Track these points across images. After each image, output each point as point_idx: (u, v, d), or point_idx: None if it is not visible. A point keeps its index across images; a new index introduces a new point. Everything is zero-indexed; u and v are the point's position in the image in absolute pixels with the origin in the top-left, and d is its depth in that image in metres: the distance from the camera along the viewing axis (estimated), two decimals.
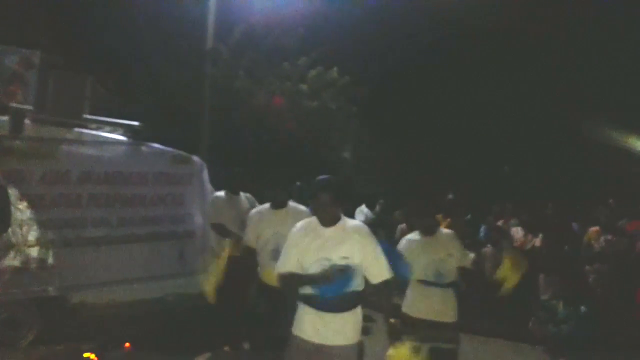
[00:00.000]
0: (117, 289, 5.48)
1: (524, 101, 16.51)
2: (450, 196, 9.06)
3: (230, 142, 10.71)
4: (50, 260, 5.15)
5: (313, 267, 3.21)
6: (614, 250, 7.24)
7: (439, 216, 8.54)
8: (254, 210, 4.93)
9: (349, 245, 3.22)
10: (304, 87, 12.24)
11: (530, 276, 7.32)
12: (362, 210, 12.00)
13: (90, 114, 6.18)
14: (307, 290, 3.26)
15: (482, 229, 9.15)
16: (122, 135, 6.00)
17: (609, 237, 7.48)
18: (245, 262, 5.51)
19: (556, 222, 8.56)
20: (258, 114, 11.62)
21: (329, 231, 3.25)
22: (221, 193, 5.98)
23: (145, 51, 11.24)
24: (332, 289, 3.17)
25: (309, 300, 3.24)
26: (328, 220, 3.25)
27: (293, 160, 10.87)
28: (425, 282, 4.22)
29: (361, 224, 3.49)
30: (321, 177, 3.35)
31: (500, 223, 9.27)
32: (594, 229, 7.93)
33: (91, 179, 5.47)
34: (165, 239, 5.98)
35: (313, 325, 3.22)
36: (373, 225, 9.47)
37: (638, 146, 13.79)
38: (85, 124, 5.90)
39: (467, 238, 7.34)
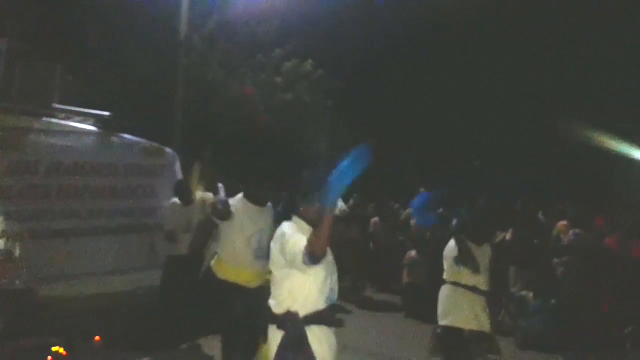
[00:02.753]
0: (86, 282, 5.39)
1: (496, 97, 16.70)
2: (422, 190, 9.10)
3: (203, 134, 10.61)
4: (17, 252, 5.03)
5: None
6: (582, 244, 7.39)
7: (411, 210, 8.61)
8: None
9: None
10: (278, 79, 12.19)
11: (500, 270, 7.48)
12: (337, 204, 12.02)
13: (60, 103, 6.05)
14: None
15: (454, 222, 9.22)
16: (93, 125, 5.88)
17: (578, 231, 7.63)
18: (190, 261, 5.57)
19: (525, 217, 8.71)
20: (232, 105, 11.54)
21: None
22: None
23: (117, 40, 11.05)
24: None
25: None
26: None
27: (267, 153, 10.82)
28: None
29: None
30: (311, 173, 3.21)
31: None
32: (563, 223, 8.11)
33: (60, 170, 5.36)
34: (136, 232, 5.90)
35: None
36: (347, 219, 9.51)
37: (609, 144, 14.08)
38: (54, 114, 5.76)
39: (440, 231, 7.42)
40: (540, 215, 9.29)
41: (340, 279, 3.17)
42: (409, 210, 9.47)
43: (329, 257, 2.91)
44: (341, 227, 8.76)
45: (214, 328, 6.11)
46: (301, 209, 3.02)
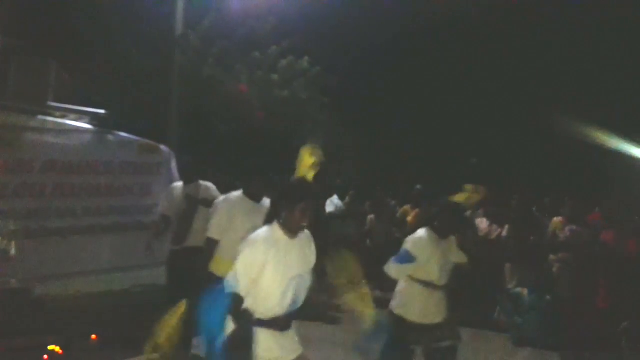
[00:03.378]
0: (82, 281, 5.38)
1: (493, 94, 16.72)
2: (418, 187, 9.12)
3: (199, 132, 10.59)
4: (12, 251, 5.01)
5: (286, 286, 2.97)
6: (578, 240, 7.40)
7: (407, 207, 8.63)
8: (222, 199, 4.57)
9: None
10: (274, 76, 12.17)
11: (496, 266, 7.50)
12: (333, 201, 12.02)
13: (55, 101, 6.03)
14: None
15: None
16: (88, 123, 5.88)
17: (574, 227, 7.64)
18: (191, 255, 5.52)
19: (521, 213, 8.72)
20: (228, 103, 11.51)
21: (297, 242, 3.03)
22: (179, 183, 5.90)
23: (113, 37, 11.00)
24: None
25: None
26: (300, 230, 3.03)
27: (263, 150, 10.81)
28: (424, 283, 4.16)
29: None
30: (299, 179, 3.11)
31: (467, 214, 9.39)
32: (559, 219, 8.11)
33: (55, 168, 5.35)
34: (132, 230, 5.89)
35: None
36: (343, 216, 9.52)
37: (605, 139, 14.12)
38: (49, 112, 5.75)
39: None
40: (534, 211, 9.31)
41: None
42: (405, 207, 9.48)
43: (294, 272, 2.95)
44: (337, 224, 8.76)
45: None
46: (283, 214, 2.97)
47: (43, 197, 5.25)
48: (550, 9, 15.54)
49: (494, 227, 8.37)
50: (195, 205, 5.67)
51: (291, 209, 2.94)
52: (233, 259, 4.14)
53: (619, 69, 15.15)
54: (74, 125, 5.75)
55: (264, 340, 2.93)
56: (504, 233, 8.03)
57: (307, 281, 3.03)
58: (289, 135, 12.00)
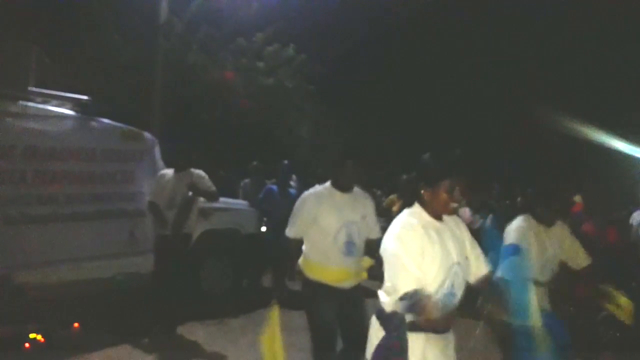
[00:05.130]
0: (64, 268, 5.32)
1: (478, 85, 16.80)
2: (404, 177, 9.13)
3: (183, 118, 10.51)
4: None
5: None
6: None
7: (394, 196, 8.65)
8: (308, 193, 3.96)
9: None
10: (259, 64, 12.10)
11: None
12: None
13: (36, 86, 5.91)
14: None
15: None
16: (70, 109, 5.77)
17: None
18: (172, 242, 5.53)
19: (501, 202, 8.78)
20: (212, 90, 11.43)
21: None
22: (166, 170, 5.92)
23: (96, 22, 10.84)
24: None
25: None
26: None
27: (248, 138, 10.77)
28: None
29: None
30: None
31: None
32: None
33: (37, 154, 5.25)
34: (115, 217, 5.82)
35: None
36: None
37: (586, 132, 14.26)
38: (30, 97, 5.63)
39: None
40: (518, 201, 9.38)
41: None
42: (391, 197, 9.49)
43: (452, 260, 2.51)
44: None
45: (196, 312, 6.15)
46: (425, 196, 2.55)
47: (24, 184, 5.16)
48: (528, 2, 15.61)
49: (477, 216, 8.45)
50: (198, 194, 5.71)
51: (435, 188, 2.52)
52: (322, 260, 3.77)
53: (599, 61, 15.28)
54: (55, 111, 5.65)
55: (418, 348, 2.45)
56: (487, 222, 8.10)
57: (464, 270, 2.57)
58: (273, 123, 11.97)
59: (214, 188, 5.94)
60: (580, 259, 3.78)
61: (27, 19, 9.89)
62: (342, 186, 3.82)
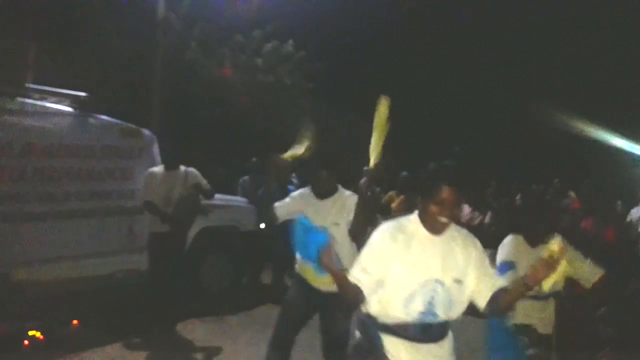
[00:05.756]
0: (63, 266, 5.31)
1: (476, 83, 16.81)
2: (404, 173, 9.14)
3: (182, 116, 10.49)
4: None
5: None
6: (559, 226, 7.49)
7: (393, 193, 8.66)
8: (297, 193, 4.05)
9: None
10: (258, 61, 12.07)
11: None
12: None
13: (34, 83, 5.89)
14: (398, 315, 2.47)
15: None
16: (68, 106, 5.75)
17: None
18: (171, 239, 5.53)
19: (498, 199, 8.80)
20: (211, 87, 11.41)
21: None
22: (157, 168, 5.89)
23: (94, 19, 10.81)
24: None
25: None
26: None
27: (246, 135, 10.76)
28: None
29: None
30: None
31: None
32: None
33: (35, 151, 5.24)
34: (114, 215, 5.81)
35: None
36: None
37: (585, 129, 14.28)
38: (28, 94, 5.61)
39: None
40: (518, 198, 9.42)
41: None
42: (390, 193, 9.51)
43: (429, 275, 2.45)
44: None
45: (195, 310, 6.15)
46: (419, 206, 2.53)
47: (22, 181, 5.15)
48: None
49: (476, 213, 8.46)
50: (201, 192, 5.80)
51: (428, 196, 2.43)
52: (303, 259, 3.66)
53: (597, 58, 15.29)
54: (53, 108, 5.63)
55: (394, 349, 2.49)
56: (486, 220, 8.11)
57: (453, 291, 2.46)
58: (272, 120, 11.96)
59: (208, 185, 5.99)
60: (589, 274, 3.68)
61: (25, 16, 9.86)
62: (319, 194, 3.88)
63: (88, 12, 10.68)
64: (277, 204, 3.96)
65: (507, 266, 3.47)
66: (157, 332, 5.54)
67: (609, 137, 13.57)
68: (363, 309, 2.57)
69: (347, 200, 3.84)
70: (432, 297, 2.42)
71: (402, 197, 8.08)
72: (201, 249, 6.45)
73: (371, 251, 2.50)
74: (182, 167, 5.87)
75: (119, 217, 5.87)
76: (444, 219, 2.39)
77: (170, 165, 5.82)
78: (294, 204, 3.93)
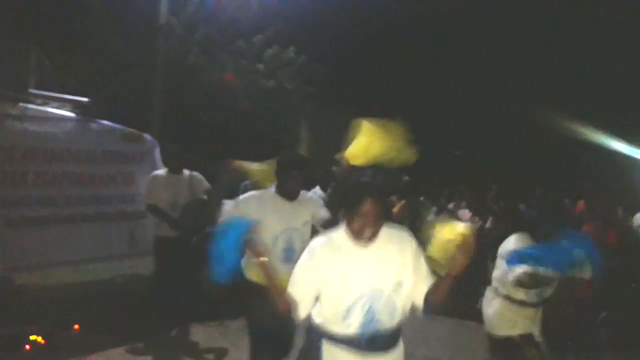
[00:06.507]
0: (64, 270, 5.33)
1: (477, 88, 16.81)
2: (405, 178, 9.16)
3: (183, 121, 10.51)
4: None
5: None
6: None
7: (393, 197, 8.67)
8: (251, 195, 3.95)
9: None
10: (259, 66, 12.10)
11: (478, 257, 7.56)
12: (316, 192, 12.00)
13: (36, 88, 5.94)
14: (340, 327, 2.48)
15: (433, 210, 9.34)
16: (70, 111, 5.80)
17: None
18: (177, 242, 5.51)
19: (500, 204, 8.80)
20: (212, 91, 11.43)
21: None
22: (161, 171, 5.81)
23: (95, 24, 10.84)
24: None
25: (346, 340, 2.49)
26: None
27: (247, 140, 10.77)
28: None
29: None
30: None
31: (451, 205, 9.50)
32: None
33: (37, 156, 5.27)
34: (115, 219, 5.84)
35: None
36: (326, 207, 9.50)
37: (587, 133, 14.29)
38: (30, 99, 5.66)
39: (419, 219, 7.48)
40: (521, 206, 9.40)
41: None
42: (392, 198, 9.52)
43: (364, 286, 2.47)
44: None
45: (197, 314, 6.15)
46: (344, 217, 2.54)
47: (24, 186, 5.18)
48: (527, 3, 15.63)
49: (477, 218, 8.45)
50: (204, 195, 5.72)
51: (350, 210, 2.45)
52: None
53: (600, 63, 15.29)
54: (55, 113, 5.67)
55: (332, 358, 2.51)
56: (487, 224, 8.11)
57: (396, 295, 2.49)
58: (274, 125, 11.97)
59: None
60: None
61: (27, 21, 9.91)
62: (290, 196, 3.85)
63: (90, 16, 10.71)
64: (232, 203, 3.86)
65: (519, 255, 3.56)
66: (158, 336, 5.54)
67: (610, 141, 13.58)
68: (311, 317, 2.60)
69: (310, 199, 4.01)
70: (371, 307, 2.45)
71: (403, 201, 8.08)
72: (202, 253, 6.44)
73: (301, 268, 2.56)
74: (186, 171, 5.83)
75: (120, 222, 5.90)
76: (369, 230, 2.42)
77: (174, 169, 5.76)
78: (251, 208, 3.72)
